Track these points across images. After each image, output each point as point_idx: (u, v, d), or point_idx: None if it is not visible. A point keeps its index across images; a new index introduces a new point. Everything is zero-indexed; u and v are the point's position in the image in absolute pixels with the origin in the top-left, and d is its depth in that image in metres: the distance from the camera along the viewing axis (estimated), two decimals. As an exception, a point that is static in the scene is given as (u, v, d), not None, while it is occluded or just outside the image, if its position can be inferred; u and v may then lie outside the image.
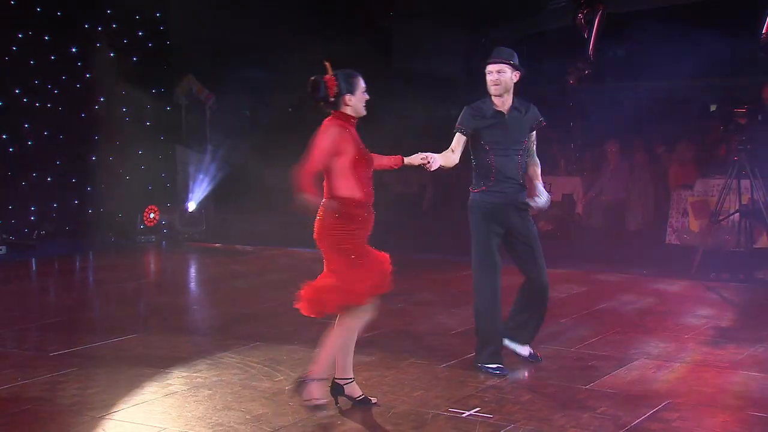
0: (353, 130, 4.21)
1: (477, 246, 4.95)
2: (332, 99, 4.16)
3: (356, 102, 4.19)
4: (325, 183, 4.19)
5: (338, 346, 4.27)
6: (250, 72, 14.14)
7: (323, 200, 4.16)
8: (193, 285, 8.44)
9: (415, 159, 4.53)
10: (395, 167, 4.55)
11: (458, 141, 4.91)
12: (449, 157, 4.83)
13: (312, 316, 4.30)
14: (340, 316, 4.27)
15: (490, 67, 4.90)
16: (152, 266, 9.60)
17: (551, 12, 14.43)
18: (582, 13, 12.00)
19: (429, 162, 4.53)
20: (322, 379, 4.24)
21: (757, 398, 4.48)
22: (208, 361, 5.30)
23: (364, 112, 4.25)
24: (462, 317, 6.22)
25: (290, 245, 10.01)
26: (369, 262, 4.18)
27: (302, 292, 4.27)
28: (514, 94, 4.96)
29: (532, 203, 4.98)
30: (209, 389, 4.72)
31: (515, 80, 4.93)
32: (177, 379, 4.92)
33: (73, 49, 10.59)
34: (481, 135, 4.91)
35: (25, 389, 4.74)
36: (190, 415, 4.32)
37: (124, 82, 10.86)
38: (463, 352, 5.27)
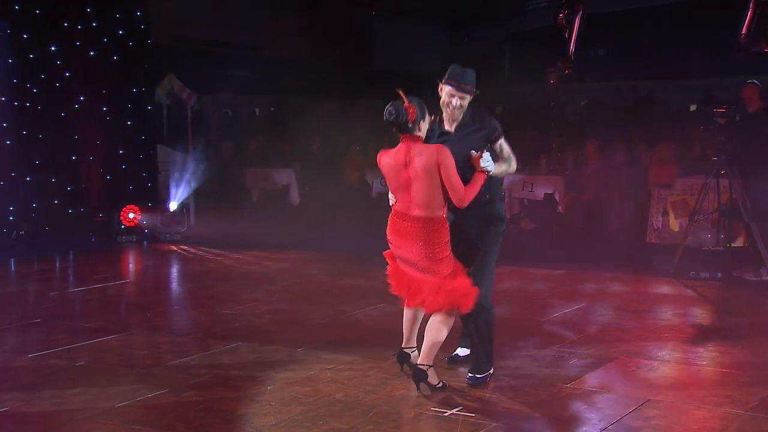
0: None
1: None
2: (411, 125, 4.46)
3: (425, 128, 4.56)
4: (435, 202, 4.46)
5: (442, 339, 4.59)
6: (232, 71, 14.10)
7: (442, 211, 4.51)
8: (173, 285, 8.40)
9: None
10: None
11: None
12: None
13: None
14: (444, 312, 4.55)
15: (452, 91, 4.62)
16: (133, 266, 9.54)
17: (532, 12, 14.51)
18: (562, 13, 12.07)
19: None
20: (431, 366, 4.55)
21: (736, 395, 4.53)
22: (189, 362, 5.28)
23: (424, 136, 4.59)
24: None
25: (271, 246, 9.99)
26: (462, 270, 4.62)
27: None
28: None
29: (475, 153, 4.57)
30: (191, 389, 4.70)
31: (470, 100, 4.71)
32: (158, 380, 4.89)
33: (53, 48, 10.50)
34: None
35: (4, 391, 4.70)
36: (171, 415, 4.30)
37: (104, 81, 10.78)
38: (445, 351, 5.28)
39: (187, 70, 12.76)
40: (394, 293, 4.75)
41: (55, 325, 6.33)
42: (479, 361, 4.81)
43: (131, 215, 10.90)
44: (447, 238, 4.52)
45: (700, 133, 9.45)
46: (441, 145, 4.51)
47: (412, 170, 4.45)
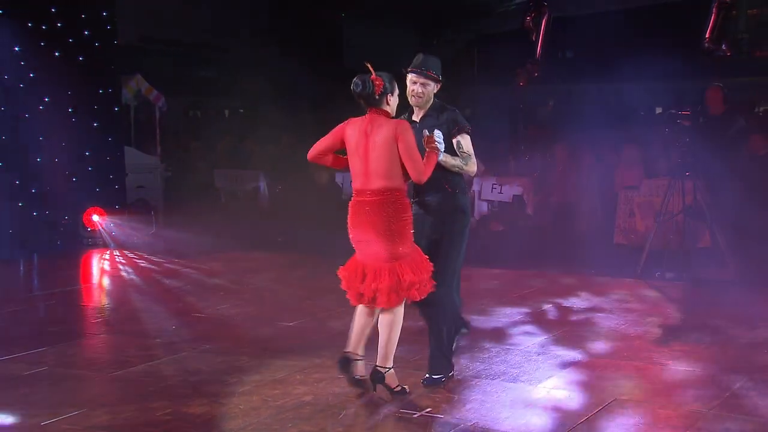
0: None
1: None
2: (377, 97, 4.42)
3: (394, 102, 4.52)
4: (392, 173, 4.39)
5: (397, 335, 4.53)
6: (201, 72, 14.01)
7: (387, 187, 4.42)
8: (141, 289, 8.30)
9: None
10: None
11: None
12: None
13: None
14: (397, 306, 4.49)
15: (414, 78, 4.65)
16: (99, 270, 9.42)
17: (501, 15, 14.61)
18: (530, 16, 12.17)
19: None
20: (390, 368, 4.49)
21: (700, 394, 4.60)
22: (157, 365, 5.23)
23: (394, 113, 4.54)
24: (414, 318, 6.23)
25: (240, 248, 9.93)
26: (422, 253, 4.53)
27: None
28: (434, 99, 4.73)
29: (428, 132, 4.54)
30: (159, 393, 4.65)
31: (436, 91, 4.73)
32: (125, 384, 4.84)
33: (16, 48, 10.32)
34: None
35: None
36: (138, 420, 4.26)
37: (69, 82, 10.62)
38: (414, 354, 5.29)
39: (154, 71, 12.65)
40: (344, 288, 4.54)
41: (19, 330, 6.23)
42: (437, 360, 4.75)
43: (95, 218, 10.76)
44: (409, 214, 4.46)
45: (665, 135, 9.58)
46: (402, 120, 4.56)
47: (371, 141, 4.41)
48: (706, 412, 4.31)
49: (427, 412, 4.31)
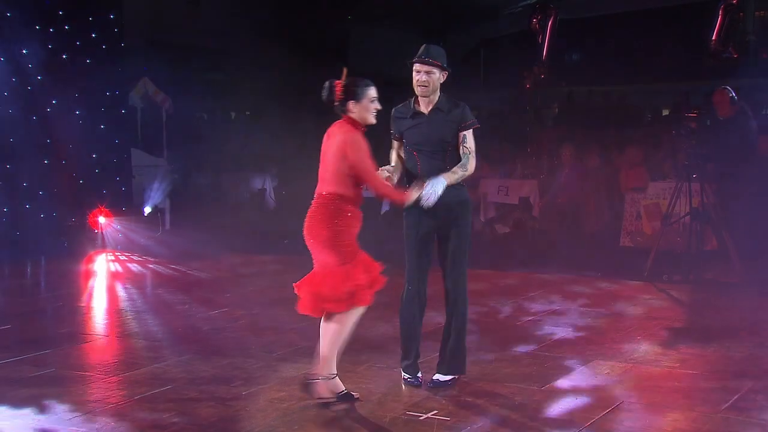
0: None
1: (407, 252, 4.81)
2: (337, 103, 4.35)
3: (360, 110, 4.36)
4: (335, 179, 4.34)
5: (340, 343, 4.40)
6: (207, 75, 14.04)
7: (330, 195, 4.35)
8: (145, 291, 8.32)
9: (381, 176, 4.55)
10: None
11: (394, 144, 4.85)
12: (396, 161, 4.79)
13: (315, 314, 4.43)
14: (339, 314, 4.36)
15: (418, 67, 4.66)
16: (105, 272, 9.44)
17: (507, 17, 14.60)
18: (536, 18, 12.17)
19: (391, 179, 4.63)
20: (328, 377, 4.36)
21: (707, 397, 4.58)
22: (163, 367, 5.24)
23: (371, 120, 4.41)
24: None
25: (246, 251, 9.94)
26: (363, 262, 4.38)
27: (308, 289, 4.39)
28: (441, 93, 4.76)
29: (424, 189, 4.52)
30: (162, 396, 4.66)
31: (442, 80, 4.74)
32: (129, 385, 4.85)
33: (24, 51, 10.37)
34: (405, 137, 4.77)
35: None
36: (143, 422, 4.26)
37: (77, 85, 10.66)
38: (420, 355, 5.28)
39: (161, 73, 12.67)
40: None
41: (25, 332, 6.25)
42: (455, 360, 4.77)
43: (102, 219, 10.79)
44: (347, 222, 4.30)
45: (671, 138, 9.56)
46: (354, 135, 4.32)
47: (326, 147, 4.41)
48: (713, 415, 4.30)
49: (433, 415, 4.30)
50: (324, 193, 4.36)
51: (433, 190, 4.51)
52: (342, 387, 4.45)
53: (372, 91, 4.39)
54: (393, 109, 4.87)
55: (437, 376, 4.79)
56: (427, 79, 4.67)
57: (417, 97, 4.78)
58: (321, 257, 4.37)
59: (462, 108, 4.77)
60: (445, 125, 4.71)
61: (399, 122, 4.82)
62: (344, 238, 4.33)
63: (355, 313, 4.42)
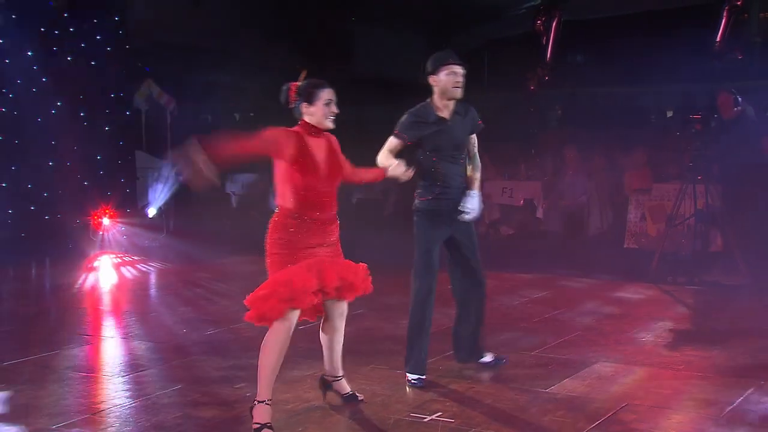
0: (311, 140, 4.16)
1: (420, 253, 4.90)
2: (291, 106, 4.20)
3: (315, 112, 4.16)
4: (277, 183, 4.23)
5: (267, 365, 4.04)
6: (211, 76, 14.05)
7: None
8: (150, 292, 8.34)
9: (398, 170, 4.57)
10: (378, 180, 4.67)
11: (393, 145, 4.83)
12: (391, 162, 4.74)
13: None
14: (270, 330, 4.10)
15: (456, 68, 4.83)
16: (109, 273, 9.46)
17: (511, 18, 14.59)
18: (540, 19, 12.16)
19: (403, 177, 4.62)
20: (262, 402, 4.04)
21: (712, 399, 4.57)
22: (166, 368, 5.24)
23: (327, 125, 4.20)
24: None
25: (250, 251, 9.94)
26: (284, 274, 4.06)
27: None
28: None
29: (464, 211, 4.84)
30: (168, 397, 4.66)
31: None
32: (134, 387, 4.86)
33: (29, 53, 10.40)
34: (425, 142, 4.85)
35: (-22, 400, 4.65)
36: (148, 424, 4.27)
37: (81, 87, 10.69)
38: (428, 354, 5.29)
39: (165, 75, 12.69)
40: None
41: (30, 333, 6.27)
42: (484, 343, 5.14)
43: (106, 221, 10.81)
44: (278, 236, 4.11)
45: (676, 139, 9.55)
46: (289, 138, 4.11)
47: None
48: (718, 417, 4.29)
49: (437, 416, 4.30)
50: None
51: (477, 206, 4.85)
52: (348, 388, 4.47)
53: (326, 93, 4.17)
54: (408, 113, 4.90)
55: (487, 358, 5.13)
56: (462, 81, 4.86)
57: (431, 101, 4.90)
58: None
59: (473, 111, 5.01)
60: (464, 129, 4.96)
61: (418, 127, 4.86)
62: (274, 251, 4.14)
63: (274, 331, 4.07)
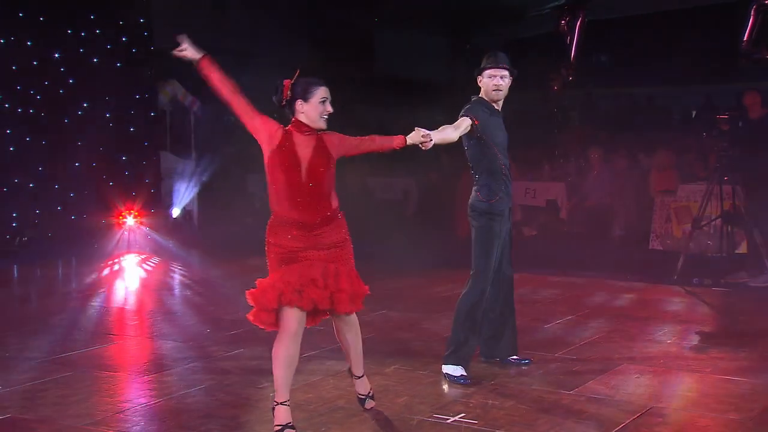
0: (298, 137, 4.03)
1: (485, 254, 4.92)
2: (284, 103, 4.08)
3: (309, 110, 4.02)
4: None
5: (277, 370, 4.03)
6: (234, 77, 14.14)
7: None
8: (175, 291, 8.40)
9: (416, 137, 4.29)
10: (397, 148, 4.31)
11: (463, 122, 4.78)
12: (448, 134, 4.60)
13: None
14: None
15: (494, 71, 4.96)
16: (134, 273, 9.54)
17: (534, 19, 14.52)
18: (564, 20, 12.09)
19: (426, 143, 4.32)
20: (281, 403, 4.01)
21: (739, 402, 4.51)
22: (191, 368, 5.27)
23: (320, 124, 4.05)
24: (446, 323, 6.20)
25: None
26: (264, 282, 4.05)
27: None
28: None
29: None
30: (192, 396, 4.69)
31: (509, 84, 5.06)
32: (159, 386, 4.89)
33: (56, 55, 10.53)
34: (488, 133, 4.91)
35: (5, 397, 4.70)
36: (172, 423, 4.30)
37: (107, 88, 10.80)
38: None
39: (190, 76, 12.78)
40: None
41: (57, 331, 6.33)
42: (515, 343, 5.26)
43: (131, 221, 10.91)
44: (271, 240, 4.09)
45: (702, 140, 9.45)
46: (276, 134, 4.02)
47: None
48: (746, 420, 4.23)
49: (460, 418, 4.29)
50: None
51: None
52: (363, 390, 4.41)
53: (322, 91, 4.03)
54: (475, 100, 4.97)
55: (515, 357, 5.22)
56: (501, 83, 4.97)
57: (480, 99, 4.99)
58: None
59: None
60: (505, 129, 5.10)
61: (485, 112, 4.93)
62: (270, 255, 4.11)
63: (278, 338, 4.06)
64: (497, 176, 4.93)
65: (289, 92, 4.03)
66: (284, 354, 4.01)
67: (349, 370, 4.47)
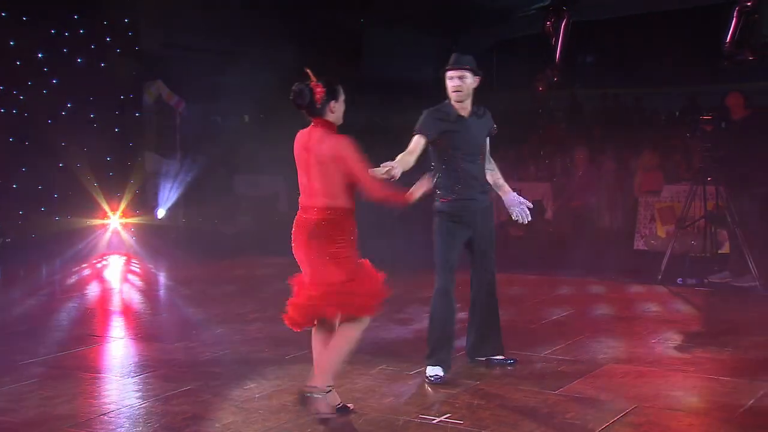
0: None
1: (439, 252, 4.94)
2: (319, 106, 4.11)
3: (338, 110, 4.17)
4: (335, 191, 4.12)
5: (345, 357, 4.22)
6: (221, 77, 14.08)
7: (327, 205, 4.13)
8: (159, 292, 8.36)
9: (379, 171, 4.23)
10: (398, 204, 4.35)
11: (417, 144, 4.79)
12: (407, 161, 4.63)
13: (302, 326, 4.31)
14: (344, 326, 4.20)
15: (451, 73, 4.88)
16: (119, 274, 9.49)
17: (521, 20, 14.58)
18: (550, 21, 12.14)
19: (392, 173, 4.28)
20: (327, 391, 4.16)
21: (723, 401, 4.55)
22: (176, 370, 5.25)
23: (341, 121, 4.21)
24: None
25: (259, 252, 9.96)
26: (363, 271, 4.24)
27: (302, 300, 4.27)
28: (472, 98, 4.98)
29: (516, 214, 4.97)
30: (177, 398, 4.67)
31: (475, 85, 4.92)
32: (144, 388, 4.87)
33: (40, 55, 10.44)
34: (446, 140, 4.86)
35: (-11, 400, 4.67)
36: (158, 425, 4.28)
37: (91, 88, 10.73)
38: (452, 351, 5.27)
39: (175, 76, 12.72)
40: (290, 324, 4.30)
41: (41, 333, 6.29)
42: (500, 343, 5.20)
43: (116, 222, 10.85)
44: (350, 237, 4.15)
45: (686, 141, 9.51)
46: (345, 137, 4.13)
47: (311, 157, 4.13)
48: (730, 420, 4.27)
49: (446, 418, 4.29)
50: (324, 207, 4.11)
51: (520, 204, 4.93)
52: (339, 399, 4.34)
53: (342, 89, 4.20)
54: (427, 111, 4.92)
55: (497, 357, 5.19)
56: (460, 84, 4.86)
57: (450, 101, 4.93)
58: (323, 273, 4.15)
59: (488, 113, 5.06)
60: (482, 130, 5.01)
61: (439, 124, 4.87)
62: (351, 252, 4.15)
63: (362, 325, 4.23)
64: (455, 178, 4.90)
65: (324, 93, 4.09)
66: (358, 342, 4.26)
67: (304, 392, 4.27)
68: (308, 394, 4.13)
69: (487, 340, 5.20)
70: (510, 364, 5.21)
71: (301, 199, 4.26)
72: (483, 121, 5.01)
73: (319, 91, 4.08)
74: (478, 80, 4.92)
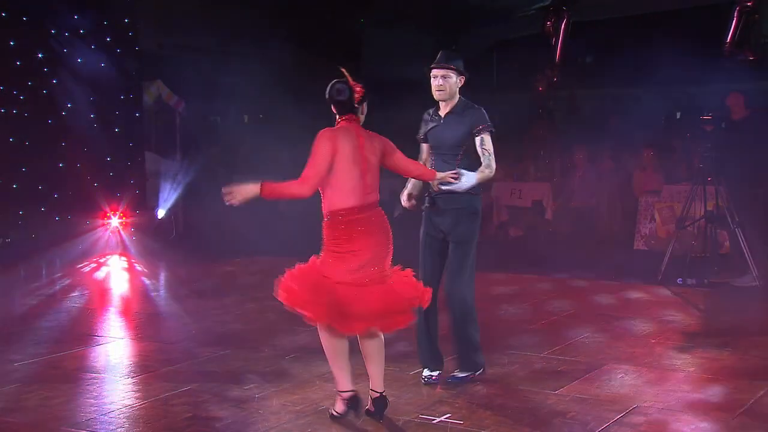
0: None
1: (420, 259, 4.92)
2: (356, 105, 4.25)
3: (365, 111, 4.36)
4: (378, 185, 4.27)
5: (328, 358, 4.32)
6: (221, 77, 14.09)
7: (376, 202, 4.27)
8: (159, 293, 8.36)
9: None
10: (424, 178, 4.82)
11: (421, 148, 5.00)
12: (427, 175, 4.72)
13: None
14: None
15: (435, 72, 4.80)
16: (119, 274, 9.49)
17: (521, 20, 14.58)
18: (550, 20, 12.15)
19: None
20: (341, 392, 4.26)
21: (722, 401, 4.55)
22: (177, 369, 5.25)
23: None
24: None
25: (258, 253, 9.96)
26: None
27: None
28: (460, 97, 4.86)
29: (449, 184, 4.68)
30: (178, 398, 4.67)
31: (460, 85, 4.82)
32: (143, 388, 4.87)
33: (40, 55, 10.44)
34: (430, 139, 4.93)
35: (-12, 400, 4.67)
36: (158, 424, 4.28)
37: (91, 88, 10.72)
38: (442, 355, 5.27)
39: (175, 76, 12.72)
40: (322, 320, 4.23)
41: (40, 334, 6.29)
42: (461, 360, 4.90)
43: (116, 222, 10.85)
44: None
45: (686, 141, 9.51)
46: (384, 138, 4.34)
47: (366, 153, 4.18)
48: (730, 419, 4.27)
49: (446, 418, 4.30)
50: (377, 203, 4.24)
51: (467, 181, 4.65)
52: (343, 407, 4.33)
53: None
54: (425, 112, 4.98)
55: (455, 373, 4.91)
56: (443, 83, 4.78)
57: (438, 104, 4.91)
58: (385, 269, 4.21)
59: (477, 111, 4.83)
60: (457, 129, 4.80)
61: (425, 124, 4.96)
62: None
63: (323, 335, 4.36)
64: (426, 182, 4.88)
65: (363, 95, 4.25)
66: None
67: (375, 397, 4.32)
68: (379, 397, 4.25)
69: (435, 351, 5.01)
70: (461, 380, 4.90)
71: (352, 201, 4.14)
72: (462, 119, 4.78)
73: (359, 90, 4.24)
74: (463, 80, 4.82)
